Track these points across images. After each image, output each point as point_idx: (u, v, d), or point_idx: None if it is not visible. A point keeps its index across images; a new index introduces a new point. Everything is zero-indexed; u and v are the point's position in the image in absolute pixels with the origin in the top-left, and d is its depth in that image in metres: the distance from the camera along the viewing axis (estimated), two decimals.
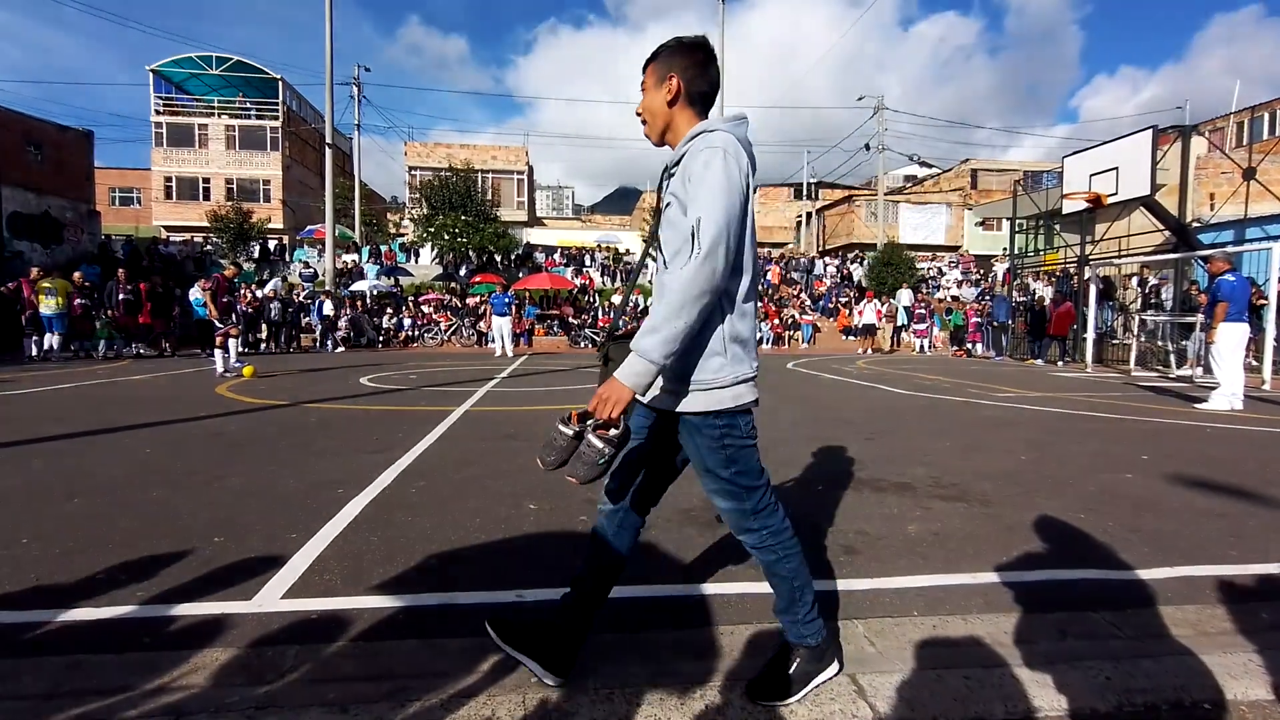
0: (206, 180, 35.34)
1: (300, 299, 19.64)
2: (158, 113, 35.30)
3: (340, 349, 18.00)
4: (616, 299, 24.55)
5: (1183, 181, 13.90)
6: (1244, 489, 3.64)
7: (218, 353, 10.21)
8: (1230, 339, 7.17)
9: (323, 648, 1.82)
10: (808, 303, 25.77)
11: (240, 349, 13.33)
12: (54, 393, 7.83)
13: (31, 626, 1.95)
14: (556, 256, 30.24)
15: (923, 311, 21.26)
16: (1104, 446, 4.89)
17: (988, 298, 20.14)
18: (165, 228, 33.31)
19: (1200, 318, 11.73)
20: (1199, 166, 18.53)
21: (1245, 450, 4.80)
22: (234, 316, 10.65)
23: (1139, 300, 16.73)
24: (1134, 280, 17.81)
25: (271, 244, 28.38)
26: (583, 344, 21.21)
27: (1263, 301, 10.50)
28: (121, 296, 14.19)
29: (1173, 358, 13.07)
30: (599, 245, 33.31)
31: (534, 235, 35.61)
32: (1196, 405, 7.31)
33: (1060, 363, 15.17)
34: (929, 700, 1.60)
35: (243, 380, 9.27)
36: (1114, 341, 15.92)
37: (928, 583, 2.32)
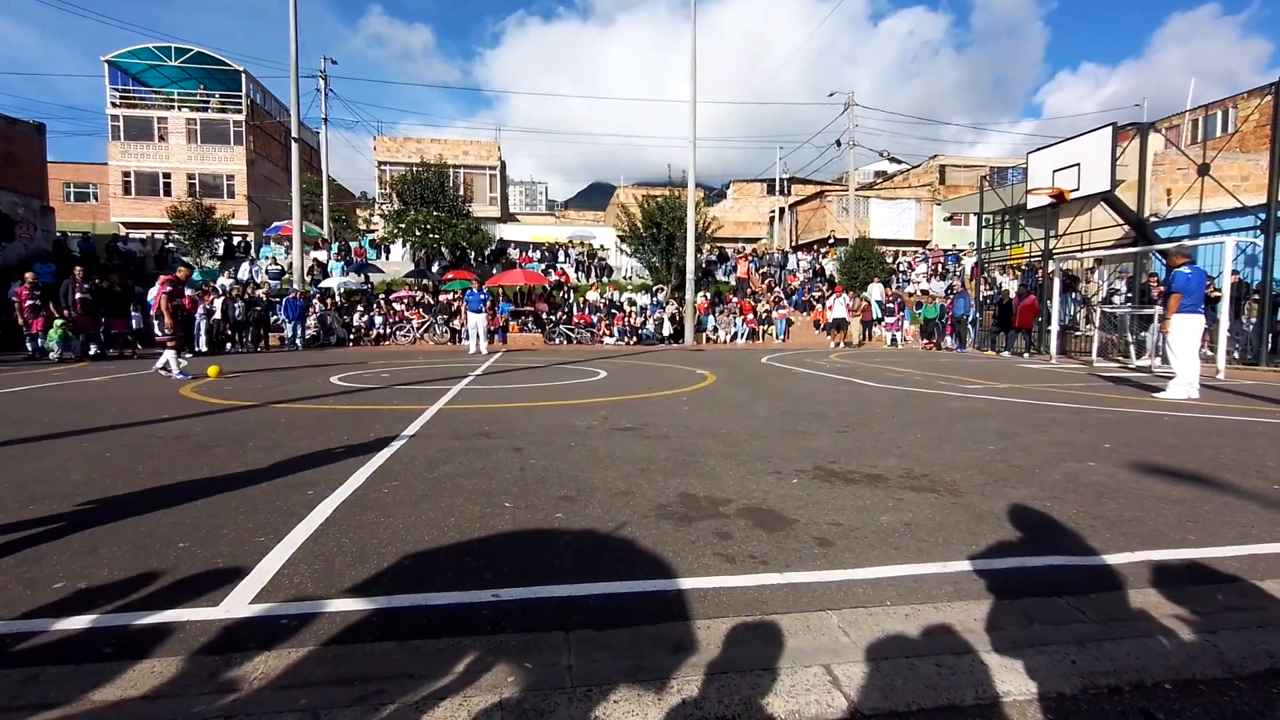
0: (167, 175, 34.28)
1: (267, 297, 19.20)
2: (114, 105, 34.12)
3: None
4: (591, 295, 24.50)
5: (1141, 177, 14.32)
6: (1200, 475, 3.77)
7: (171, 355, 9.62)
8: (1184, 329, 7.37)
9: (293, 652, 1.79)
10: (781, 297, 26.00)
11: (188, 354, 12.96)
12: (6, 395, 7.54)
13: None
14: (530, 252, 30.03)
15: (893, 305, 21.60)
16: (1068, 436, 5.02)
17: (949, 292, 20.56)
18: (124, 224, 32.28)
19: (1159, 309, 12.11)
20: (1156, 163, 19.07)
21: (1201, 438, 4.97)
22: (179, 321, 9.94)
23: (1100, 293, 17.21)
24: (1095, 274, 18.30)
25: (236, 240, 27.69)
26: (557, 340, 21.12)
27: (1217, 294, 10.87)
28: (78, 295, 13.72)
29: (1132, 349, 13.48)
30: (572, 241, 33.16)
31: (507, 231, 35.30)
32: (1155, 394, 7.54)
33: (1025, 354, 15.54)
34: (902, 688, 1.63)
35: (208, 381, 9.05)
36: (1076, 333, 16.36)
37: (900, 573, 2.36)
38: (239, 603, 2.10)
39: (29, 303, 13.38)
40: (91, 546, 2.59)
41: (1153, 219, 15.32)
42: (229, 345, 17.36)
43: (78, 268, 14.82)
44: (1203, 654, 1.80)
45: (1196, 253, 14.20)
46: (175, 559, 2.47)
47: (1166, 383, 7.69)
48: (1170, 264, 7.78)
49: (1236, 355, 12.20)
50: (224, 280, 20.11)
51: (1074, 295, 17.21)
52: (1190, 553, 2.56)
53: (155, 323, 9.78)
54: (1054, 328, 14.32)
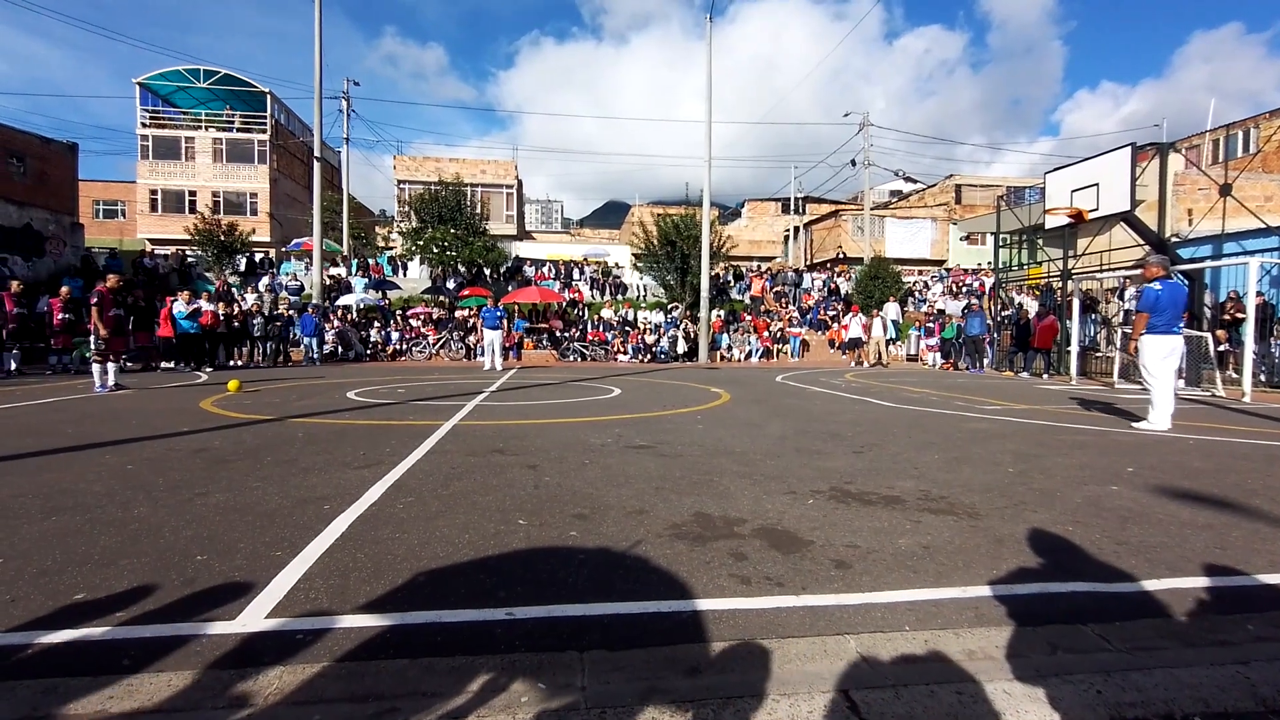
0: (193, 193, 35.13)
1: (287, 312, 19.50)
2: (144, 125, 35.12)
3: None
4: (606, 312, 24.60)
5: (1161, 197, 14.17)
6: (1227, 500, 3.68)
7: (96, 368, 9.66)
8: (1152, 352, 6.61)
9: (308, 668, 1.79)
10: (796, 316, 25.93)
11: (209, 368, 13.09)
12: (31, 408, 7.69)
13: (6, 650, 1.90)
14: (545, 270, 30.27)
15: (931, 326, 21.44)
16: (1089, 459, 4.93)
17: (965, 312, 20.36)
18: (150, 240, 33.03)
19: (1122, 329, 11.86)
20: (1177, 183, 18.89)
21: (1227, 462, 4.86)
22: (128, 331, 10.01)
23: (1120, 314, 16.99)
24: (1123, 294, 18.08)
25: (259, 257, 28.21)
26: (572, 357, 21.18)
27: (1241, 316, 10.68)
28: (112, 312, 14.00)
29: None
30: (587, 259, 33.41)
31: (523, 249, 35.67)
32: (1134, 424, 6.82)
33: (1044, 375, 15.33)
34: (922, 716, 1.60)
35: (228, 395, 9.17)
36: (1097, 354, 16.13)
37: (919, 597, 2.32)
38: (255, 617, 2.11)
39: (61, 316, 13.64)
40: (111, 558, 2.62)
41: (1174, 239, 15.14)
42: (237, 360, 17.57)
43: (111, 278, 15.12)
44: (1234, 686, 1.74)
45: (1220, 274, 14.03)
46: (193, 572, 2.49)
47: (1193, 405, 7.50)
48: (1144, 277, 6.88)
49: (1263, 378, 11.96)
50: (249, 295, 20.48)
51: (1094, 316, 17.00)
52: (1219, 580, 2.49)
53: (91, 336, 9.69)
54: (1074, 348, 14.13)
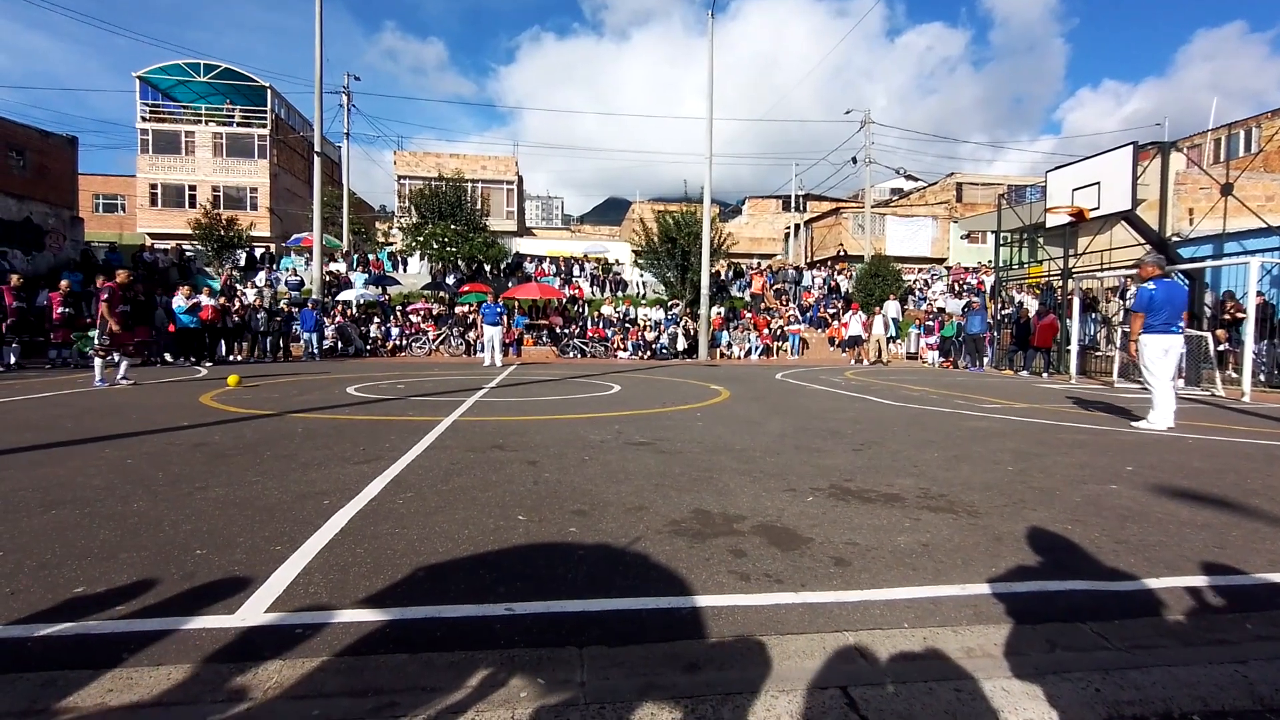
0: (193, 187, 35.10)
1: (287, 308, 19.48)
2: (144, 119, 35.05)
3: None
4: (606, 309, 24.59)
5: (1162, 197, 14.15)
6: (1226, 500, 3.69)
7: (97, 362, 9.54)
8: (1152, 351, 6.55)
9: (307, 662, 1.79)
10: (796, 314, 25.93)
11: (208, 363, 13.08)
12: (31, 402, 7.69)
13: (6, 643, 1.90)
14: (545, 266, 30.25)
15: (931, 324, 21.44)
16: (1089, 457, 4.93)
17: (966, 310, 20.35)
18: (150, 235, 33.00)
19: (1121, 328, 11.87)
20: (1178, 182, 18.88)
21: (1227, 462, 4.86)
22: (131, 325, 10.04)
23: (1120, 313, 17.00)
24: (1116, 293, 18.07)
25: (259, 253, 28.18)
26: (572, 354, 21.18)
27: (1241, 315, 10.68)
28: (120, 308, 13.99)
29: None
30: (587, 255, 33.38)
31: (523, 245, 35.64)
32: (1133, 424, 6.77)
33: (1044, 374, 15.34)
34: (920, 713, 1.60)
35: (227, 390, 9.17)
36: (1097, 353, 16.14)
37: (917, 594, 2.32)
38: (254, 611, 2.11)
39: (60, 310, 13.63)
40: (111, 552, 2.62)
41: (1175, 239, 15.13)
42: (234, 355, 17.56)
43: (121, 274, 15.10)
44: (1232, 684, 1.74)
45: (1220, 273, 14.03)
46: (193, 566, 2.49)
47: (1195, 405, 7.50)
48: (1139, 276, 6.85)
49: (1263, 378, 11.96)
50: (249, 290, 20.47)
51: (1094, 315, 17.00)
52: (1218, 579, 2.49)
53: (97, 330, 9.59)
54: (1074, 347, 14.14)
